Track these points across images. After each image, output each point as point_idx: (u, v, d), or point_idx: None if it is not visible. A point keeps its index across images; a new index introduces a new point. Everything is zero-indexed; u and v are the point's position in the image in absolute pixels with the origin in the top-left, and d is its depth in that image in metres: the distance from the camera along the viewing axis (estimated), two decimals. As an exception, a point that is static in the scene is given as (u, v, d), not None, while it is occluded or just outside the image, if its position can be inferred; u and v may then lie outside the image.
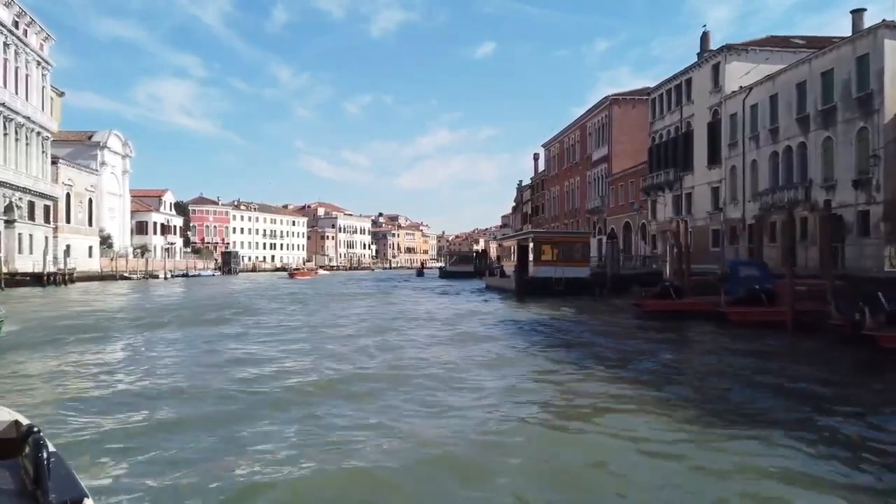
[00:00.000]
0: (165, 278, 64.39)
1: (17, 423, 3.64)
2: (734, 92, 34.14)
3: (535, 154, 79.28)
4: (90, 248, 58.36)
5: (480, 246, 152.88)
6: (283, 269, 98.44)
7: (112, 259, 61.11)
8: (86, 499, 2.81)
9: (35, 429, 3.06)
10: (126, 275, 59.79)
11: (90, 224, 59.23)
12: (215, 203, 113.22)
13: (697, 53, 38.42)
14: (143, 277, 61.77)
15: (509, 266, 38.84)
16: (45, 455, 2.77)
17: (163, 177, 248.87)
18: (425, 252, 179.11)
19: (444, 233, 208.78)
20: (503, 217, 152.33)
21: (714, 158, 36.05)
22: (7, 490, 2.80)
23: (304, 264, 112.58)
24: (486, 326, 18.97)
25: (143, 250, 70.75)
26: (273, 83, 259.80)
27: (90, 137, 65.10)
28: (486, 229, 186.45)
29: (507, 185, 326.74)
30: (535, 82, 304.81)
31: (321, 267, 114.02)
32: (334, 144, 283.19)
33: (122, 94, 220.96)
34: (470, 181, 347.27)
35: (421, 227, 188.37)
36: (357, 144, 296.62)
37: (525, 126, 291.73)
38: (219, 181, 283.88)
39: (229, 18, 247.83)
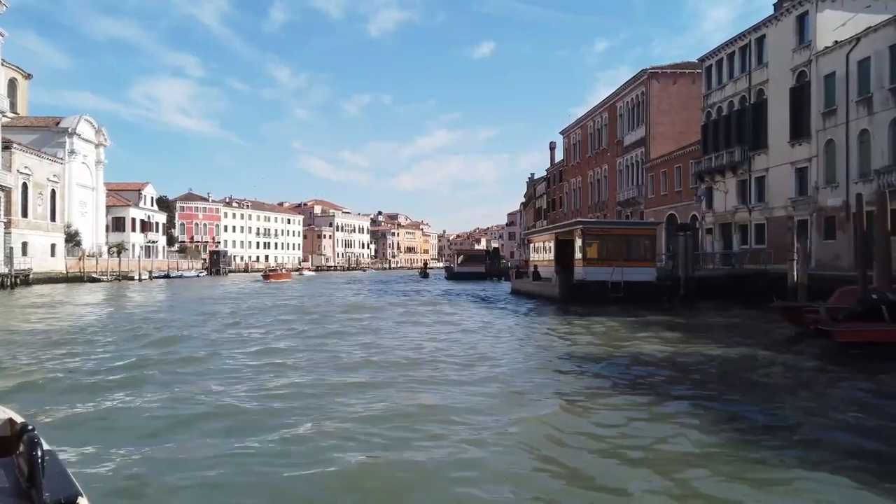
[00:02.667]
0: (141, 280, 57.25)
1: (11, 420, 3.38)
2: (828, 47, 27.36)
3: (551, 143, 72.45)
4: (53, 245, 51.35)
5: (482, 245, 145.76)
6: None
7: (80, 258, 54.11)
8: (80, 497, 2.63)
9: (29, 427, 2.87)
10: (96, 276, 52.85)
11: (53, 219, 52.20)
12: (205, 199, 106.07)
13: (774, 4, 31.54)
14: (116, 279, 54.72)
15: (544, 266, 31.56)
16: (39, 453, 2.61)
17: (161, 178, 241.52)
18: (426, 252, 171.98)
19: (444, 232, 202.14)
20: (509, 215, 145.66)
21: (800, 132, 29.20)
22: (1, 488, 2.68)
23: (299, 264, 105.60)
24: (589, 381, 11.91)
25: (120, 249, 63.62)
26: (271, 83, 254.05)
27: (58, 123, 58.14)
28: (488, 228, 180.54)
29: (506, 185, 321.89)
30: (535, 83, 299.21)
31: (317, 268, 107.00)
32: (333, 145, 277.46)
33: (120, 94, 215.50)
34: (469, 182, 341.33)
35: (422, 227, 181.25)
36: (356, 145, 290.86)
37: (524, 127, 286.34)
38: (217, 182, 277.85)
39: (227, 18, 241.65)
